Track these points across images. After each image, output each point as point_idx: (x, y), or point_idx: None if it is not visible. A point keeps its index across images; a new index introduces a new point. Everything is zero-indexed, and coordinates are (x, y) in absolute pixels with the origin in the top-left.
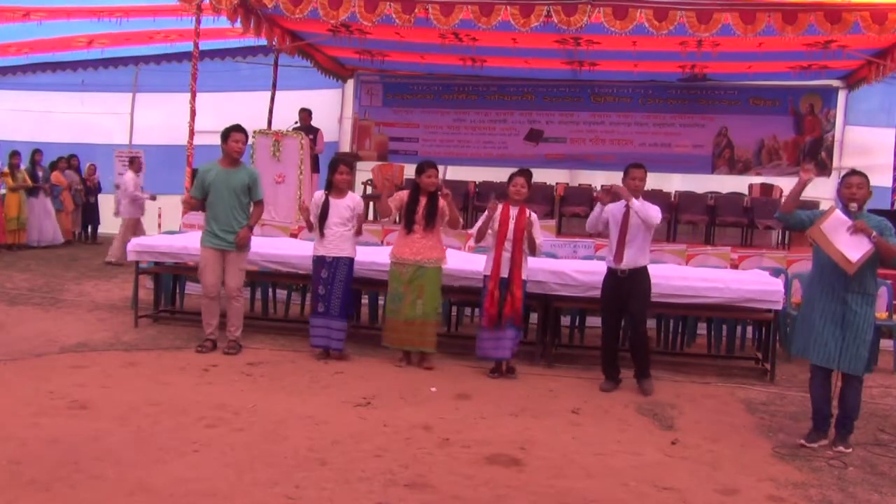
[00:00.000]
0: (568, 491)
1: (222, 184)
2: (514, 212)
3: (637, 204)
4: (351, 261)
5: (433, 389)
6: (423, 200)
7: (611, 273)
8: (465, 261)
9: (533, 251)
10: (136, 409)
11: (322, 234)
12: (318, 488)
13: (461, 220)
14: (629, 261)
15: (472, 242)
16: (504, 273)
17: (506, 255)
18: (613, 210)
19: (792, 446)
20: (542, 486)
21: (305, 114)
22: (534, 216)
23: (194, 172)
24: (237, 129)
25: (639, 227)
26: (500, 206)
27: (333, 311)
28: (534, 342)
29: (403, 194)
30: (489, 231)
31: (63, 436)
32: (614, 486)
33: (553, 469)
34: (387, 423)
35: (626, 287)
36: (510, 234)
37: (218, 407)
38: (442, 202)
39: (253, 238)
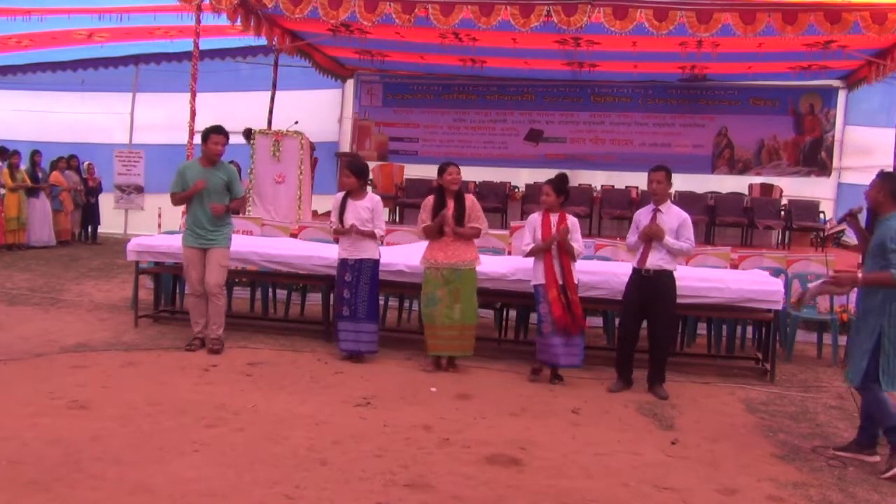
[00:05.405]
0: (568, 491)
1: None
2: (554, 218)
3: (670, 241)
4: (375, 262)
5: (433, 389)
6: (450, 202)
7: (635, 273)
8: None
9: (572, 257)
10: (136, 409)
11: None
12: (318, 488)
13: (484, 228)
14: (653, 262)
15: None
16: (560, 280)
17: (556, 263)
18: (641, 215)
19: (794, 446)
20: (542, 486)
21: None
22: (573, 220)
23: None
24: (218, 130)
25: (668, 231)
26: (540, 215)
27: (361, 313)
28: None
29: (429, 200)
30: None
31: (63, 436)
32: (614, 486)
33: (553, 469)
34: (387, 423)
35: (650, 288)
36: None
37: (218, 407)
38: (469, 200)
39: (253, 238)
